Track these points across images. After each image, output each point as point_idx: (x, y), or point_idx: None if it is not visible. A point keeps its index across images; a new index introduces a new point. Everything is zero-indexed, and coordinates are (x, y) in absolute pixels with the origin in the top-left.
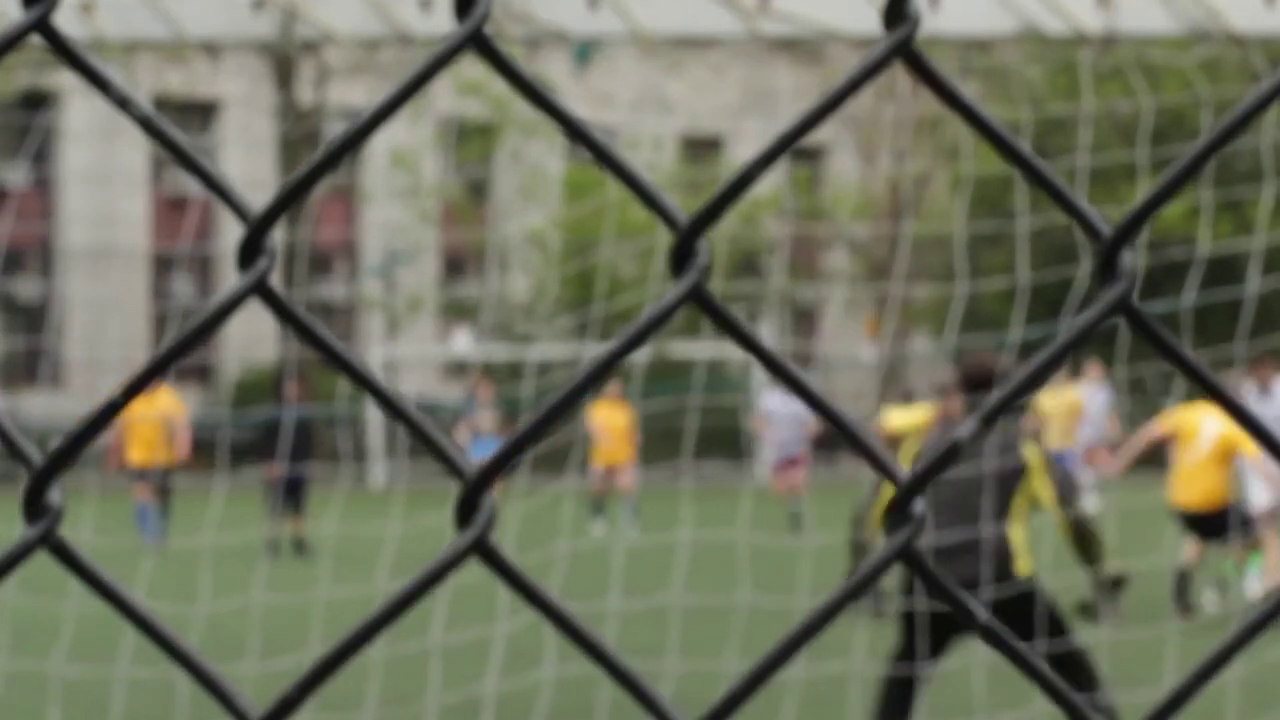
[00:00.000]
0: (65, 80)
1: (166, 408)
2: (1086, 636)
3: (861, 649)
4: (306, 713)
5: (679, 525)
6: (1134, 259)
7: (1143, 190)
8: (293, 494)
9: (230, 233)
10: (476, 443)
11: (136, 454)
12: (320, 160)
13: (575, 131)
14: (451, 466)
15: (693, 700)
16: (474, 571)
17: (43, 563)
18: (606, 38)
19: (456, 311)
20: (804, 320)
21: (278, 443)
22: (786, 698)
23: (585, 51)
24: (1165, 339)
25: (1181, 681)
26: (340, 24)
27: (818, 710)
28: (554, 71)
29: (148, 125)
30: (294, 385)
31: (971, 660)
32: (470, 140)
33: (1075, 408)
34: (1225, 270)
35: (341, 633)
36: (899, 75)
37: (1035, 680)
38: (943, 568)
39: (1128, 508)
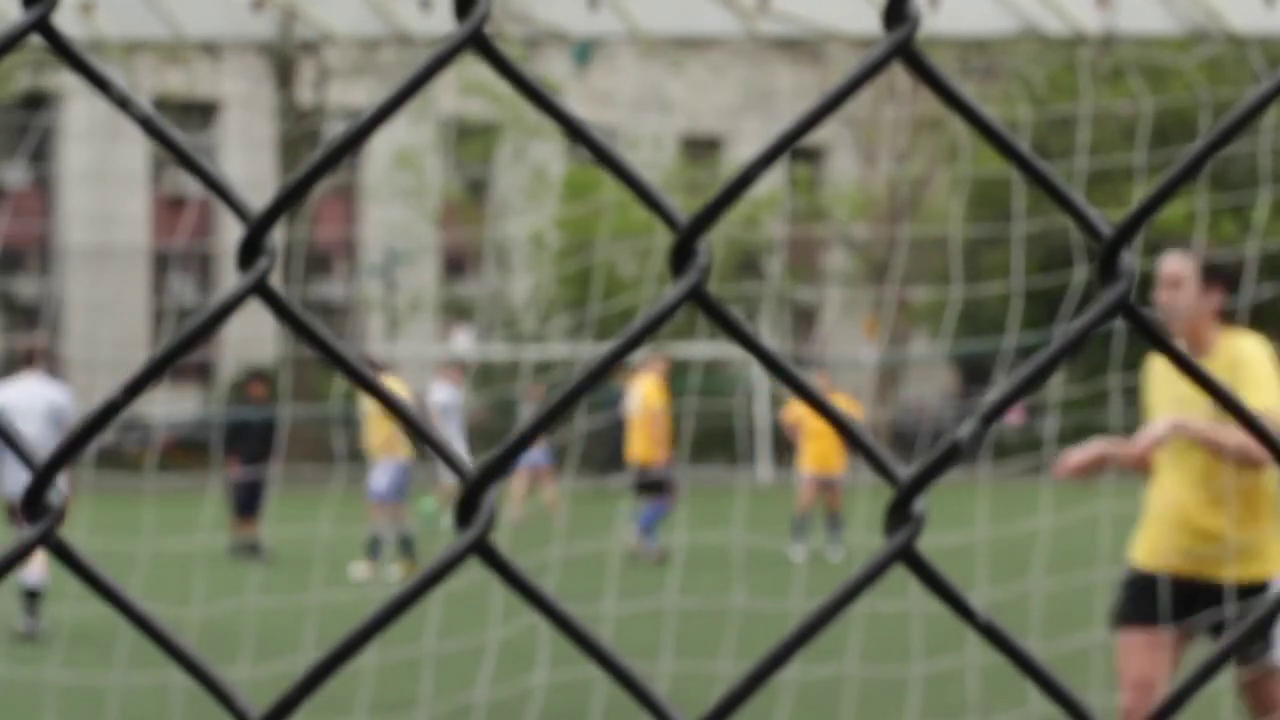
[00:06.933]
0: (65, 80)
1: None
2: (1081, 640)
3: (856, 652)
4: (300, 716)
5: (675, 527)
6: (1134, 259)
7: (1143, 191)
8: (252, 495)
9: (230, 232)
10: None
11: (637, 450)
12: (320, 160)
13: (575, 131)
14: (452, 466)
15: (687, 701)
16: (466, 578)
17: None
18: (606, 37)
19: (456, 311)
20: (803, 321)
21: (241, 443)
22: (781, 700)
23: (584, 51)
24: (1164, 339)
25: (1181, 682)
26: (340, 24)
27: (812, 713)
28: (554, 71)
29: (148, 125)
30: (259, 385)
31: (967, 660)
32: (471, 140)
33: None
34: None
35: (334, 637)
36: (899, 75)
37: (1036, 681)
38: None
39: (1118, 513)
